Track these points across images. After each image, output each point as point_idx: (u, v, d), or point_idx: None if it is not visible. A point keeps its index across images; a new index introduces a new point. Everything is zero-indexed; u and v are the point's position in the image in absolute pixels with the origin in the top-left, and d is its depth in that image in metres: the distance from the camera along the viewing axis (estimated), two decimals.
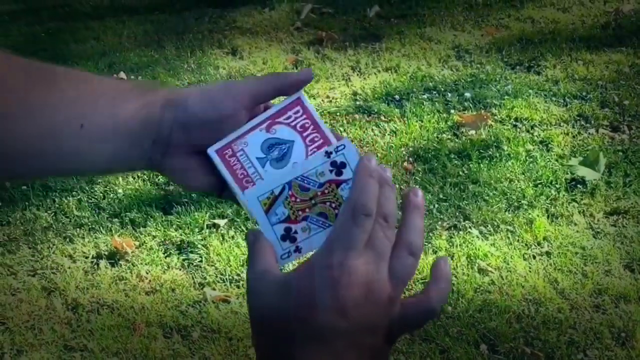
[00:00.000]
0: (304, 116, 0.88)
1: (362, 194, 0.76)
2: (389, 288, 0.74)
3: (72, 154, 0.84)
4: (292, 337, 0.74)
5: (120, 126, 0.84)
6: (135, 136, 0.84)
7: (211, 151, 0.86)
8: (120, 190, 3.71)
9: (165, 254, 3.33)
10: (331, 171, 0.84)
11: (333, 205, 0.84)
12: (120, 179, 3.79)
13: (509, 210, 3.47)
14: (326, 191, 0.84)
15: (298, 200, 0.84)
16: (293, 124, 0.88)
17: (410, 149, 3.92)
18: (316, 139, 0.88)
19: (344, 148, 0.84)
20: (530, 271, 3.14)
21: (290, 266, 0.92)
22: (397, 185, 3.65)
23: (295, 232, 0.84)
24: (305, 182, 0.84)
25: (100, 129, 0.83)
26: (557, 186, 3.61)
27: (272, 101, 0.90)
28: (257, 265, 0.80)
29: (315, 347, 0.73)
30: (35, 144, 0.82)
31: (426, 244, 3.29)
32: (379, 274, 0.74)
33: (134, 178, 3.79)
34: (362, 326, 0.73)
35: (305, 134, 0.88)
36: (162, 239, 3.40)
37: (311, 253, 0.83)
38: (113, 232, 3.46)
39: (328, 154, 0.84)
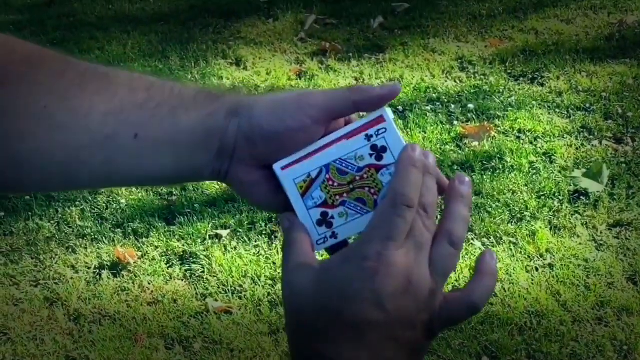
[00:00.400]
0: (386, 136, 0.80)
1: (405, 184, 0.74)
2: (430, 280, 0.72)
3: (128, 163, 0.81)
4: (327, 330, 0.72)
5: (181, 136, 0.80)
6: (197, 147, 0.80)
7: (277, 167, 0.81)
8: (123, 201, 3.71)
9: (168, 265, 3.33)
10: (371, 155, 0.80)
11: (372, 191, 0.80)
12: (124, 189, 3.80)
13: (511, 222, 3.47)
14: (365, 176, 0.80)
15: (336, 184, 0.81)
16: (373, 142, 0.80)
17: None
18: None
19: (385, 132, 0.80)
20: (532, 283, 3.14)
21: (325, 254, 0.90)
22: None
23: (332, 217, 0.81)
24: (344, 165, 0.80)
25: (158, 139, 0.80)
26: (560, 198, 3.60)
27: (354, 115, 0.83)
28: (293, 255, 0.77)
29: (351, 340, 0.72)
30: (85, 154, 0.79)
31: None
32: (419, 266, 0.72)
33: (137, 188, 3.80)
34: (400, 320, 0.72)
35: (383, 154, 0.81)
36: (165, 250, 3.40)
37: (348, 239, 0.82)
38: (116, 242, 3.46)
39: (368, 137, 0.80)
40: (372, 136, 0.80)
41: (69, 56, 0.84)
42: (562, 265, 3.22)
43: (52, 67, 0.82)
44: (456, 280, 3.16)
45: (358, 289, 0.71)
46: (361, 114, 0.83)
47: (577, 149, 3.96)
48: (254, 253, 3.35)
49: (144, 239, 3.47)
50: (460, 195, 0.76)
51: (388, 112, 0.81)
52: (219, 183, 3.77)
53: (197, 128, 0.80)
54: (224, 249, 3.38)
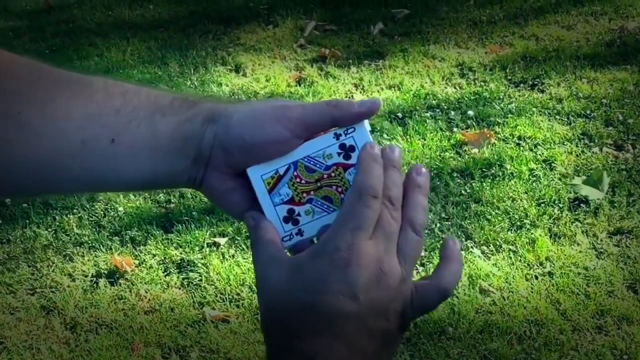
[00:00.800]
0: (355, 134, 0.82)
1: (369, 177, 0.75)
2: (400, 269, 0.74)
3: (106, 169, 0.80)
4: (302, 325, 0.73)
5: (157, 142, 0.80)
6: (174, 153, 0.80)
7: (250, 173, 0.81)
8: (121, 208, 3.70)
9: (165, 273, 3.31)
10: (339, 154, 0.81)
11: (339, 189, 0.81)
12: (122, 196, 3.78)
13: (511, 230, 3.45)
14: (333, 174, 0.81)
15: (303, 181, 0.82)
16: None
17: None
18: None
19: (354, 131, 0.81)
20: (532, 292, 3.12)
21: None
22: None
23: (299, 214, 0.82)
24: (312, 163, 0.81)
25: (135, 144, 0.79)
26: (560, 205, 3.58)
27: None
28: (264, 252, 0.78)
29: (326, 333, 0.72)
30: (63, 159, 0.79)
31: (427, 263, 3.27)
32: (389, 255, 0.73)
33: (135, 196, 3.78)
34: (373, 309, 0.72)
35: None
36: (162, 258, 3.39)
37: (314, 238, 0.82)
38: (113, 250, 3.45)
39: (337, 135, 0.81)
40: (340, 135, 0.81)
41: (43, 63, 0.83)
42: (561, 273, 3.20)
43: (26, 74, 0.82)
44: (455, 289, 3.13)
45: (331, 281, 0.72)
46: None
47: (577, 156, 3.94)
48: (252, 261, 3.32)
49: (142, 247, 3.45)
50: (418, 186, 0.78)
51: (366, 124, 0.82)
52: None
53: (174, 134, 0.80)
54: (221, 257, 3.36)
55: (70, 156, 0.79)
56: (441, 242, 0.80)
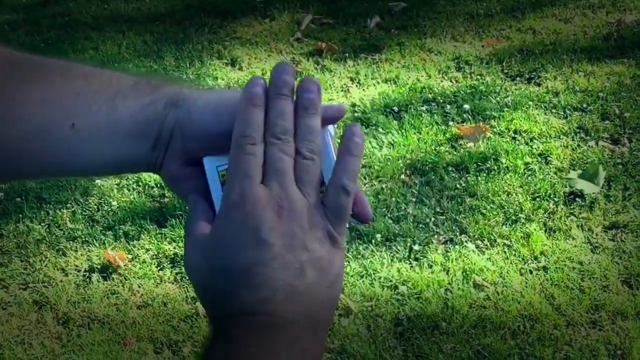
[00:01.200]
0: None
1: (244, 125, 0.73)
2: (303, 199, 0.72)
3: (66, 155, 0.78)
4: (226, 289, 0.71)
5: (118, 126, 0.78)
6: (136, 136, 0.78)
7: (206, 162, 0.79)
8: (114, 203, 3.68)
9: (158, 268, 3.30)
10: None
11: None
12: (115, 191, 3.77)
13: (506, 224, 3.43)
14: None
15: None
16: None
17: (408, 161, 3.89)
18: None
19: None
20: (526, 286, 3.10)
21: None
22: (395, 199, 3.61)
23: None
24: None
25: (96, 128, 0.77)
26: (556, 200, 3.57)
27: None
28: (189, 233, 0.76)
29: (250, 286, 0.71)
30: (22, 145, 0.77)
31: (421, 257, 3.25)
32: (285, 190, 0.72)
33: (129, 190, 3.77)
34: (288, 245, 0.71)
35: None
36: (156, 252, 3.37)
37: None
38: (106, 245, 3.43)
39: None
40: None
41: (1, 46, 0.81)
42: (556, 268, 3.18)
43: None
44: (449, 283, 3.13)
45: (234, 236, 0.71)
46: None
47: (573, 149, 3.92)
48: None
49: (135, 242, 3.43)
50: (304, 107, 0.75)
51: (330, 129, 0.79)
52: None
53: (136, 117, 0.78)
54: None
55: (28, 141, 0.78)
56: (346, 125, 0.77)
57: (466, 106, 4.32)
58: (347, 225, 0.78)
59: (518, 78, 4.66)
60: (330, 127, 0.79)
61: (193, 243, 0.75)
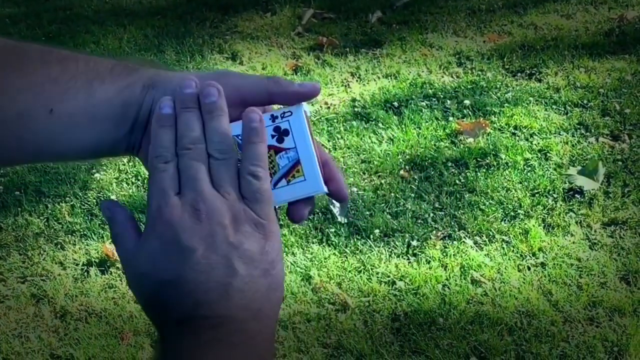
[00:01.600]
0: (291, 119, 0.80)
1: (155, 147, 0.75)
2: (221, 197, 0.74)
3: (45, 140, 0.79)
4: (168, 301, 0.73)
5: (96, 110, 0.78)
6: (114, 120, 0.79)
7: None
8: (113, 197, 3.68)
9: None
10: (273, 136, 0.80)
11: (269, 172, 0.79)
12: (114, 184, 3.77)
13: (504, 220, 3.43)
14: None
15: None
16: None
17: (407, 156, 3.88)
18: (297, 164, 0.80)
19: (290, 115, 0.80)
20: (524, 283, 3.10)
21: None
22: (393, 194, 3.61)
23: None
24: None
25: (74, 113, 0.78)
26: (555, 196, 3.56)
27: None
28: (122, 250, 0.77)
29: (188, 294, 0.72)
30: (1, 132, 0.78)
31: (419, 253, 3.25)
32: (199, 193, 0.73)
33: (128, 184, 3.77)
34: (213, 245, 0.72)
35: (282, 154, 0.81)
36: None
37: None
38: (105, 239, 3.43)
39: (273, 117, 0.80)
40: (277, 117, 0.80)
41: None
42: (554, 264, 3.18)
43: None
44: (446, 279, 3.12)
45: (158, 249, 0.73)
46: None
47: (573, 146, 3.91)
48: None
49: None
50: (208, 112, 0.77)
51: (305, 107, 0.80)
52: None
53: (113, 101, 0.79)
54: None
55: (7, 129, 0.78)
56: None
57: (467, 102, 4.31)
58: (278, 207, 0.79)
59: (519, 74, 4.65)
60: (305, 107, 0.80)
61: (125, 260, 0.77)
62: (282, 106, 0.81)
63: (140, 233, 0.77)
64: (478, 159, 3.82)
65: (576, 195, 3.57)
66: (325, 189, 0.80)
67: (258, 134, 0.77)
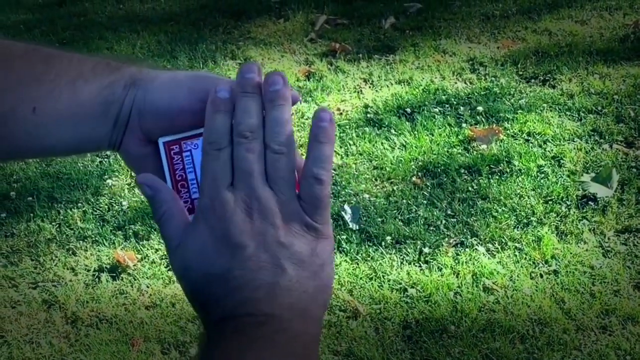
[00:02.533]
0: None
1: (209, 132, 0.74)
2: (273, 195, 0.73)
3: (27, 138, 0.79)
4: (210, 295, 0.73)
5: (80, 109, 0.79)
6: (97, 119, 0.79)
7: (160, 142, 0.81)
8: (125, 203, 3.69)
9: (167, 268, 3.30)
10: None
11: None
12: (126, 190, 3.77)
13: (517, 227, 3.41)
14: None
15: None
16: None
17: (420, 163, 3.87)
18: None
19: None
20: (536, 290, 3.08)
21: None
22: (406, 201, 3.60)
23: None
24: None
25: (57, 112, 0.79)
26: (568, 203, 3.54)
27: None
28: (171, 232, 0.76)
29: (238, 289, 0.72)
30: None
31: (431, 260, 3.23)
32: (253, 189, 0.73)
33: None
34: (265, 244, 0.72)
35: None
36: (165, 253, 3.37)
37: None
38: (116, 244, 3.43)
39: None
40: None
41: None
42: (567, 272, 3.16)
43: None
44: (458, 286, 3.11)
45: (208, 243, 0.73)
46: None
47: (586, 152, 3.89)
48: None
49: (145, 242, 3.43)
50: (270, 100, 0.75)
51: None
52: None
53: (96, 99, 0.79)
54: None
55: None
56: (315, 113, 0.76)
57: (480, 108, 4.30)
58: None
59: (533, 80, 4.63)
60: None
61: (172, 251, 0.76)
62: None
63: (186, 214, 0.77)
64: (491, 166, 3.80)
65: (590, 202, 3.54)
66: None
67: (327, 134, 0.75)
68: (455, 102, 4.39)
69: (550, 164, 3.81)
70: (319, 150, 0.74)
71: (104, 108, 0.79)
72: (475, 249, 3.29)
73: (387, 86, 4.63)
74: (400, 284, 3.14)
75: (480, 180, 3.70)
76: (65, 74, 0.80)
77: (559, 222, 3.43)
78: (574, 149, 3.92)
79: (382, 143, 4.03)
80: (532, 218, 3.45)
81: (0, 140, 0.80)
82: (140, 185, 0.78)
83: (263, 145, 0.74)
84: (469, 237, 3.36)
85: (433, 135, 4.08)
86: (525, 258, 3.24)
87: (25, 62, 0.80)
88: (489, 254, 3.27)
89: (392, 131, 4.13)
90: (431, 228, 3.43)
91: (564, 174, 3.73)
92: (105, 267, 3.32)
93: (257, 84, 0.75)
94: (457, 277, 3.16)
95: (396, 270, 3.21)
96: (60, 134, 0.80)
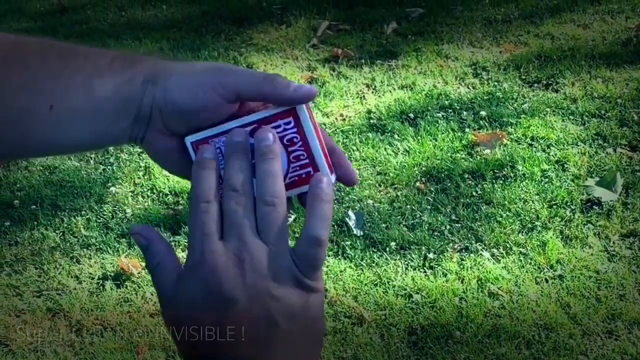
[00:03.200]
0: (295, 130, 0.79)
1: (196, 186, 0.75)
2: (265, 248, 0.72)
3: (45, 136, 0.79)
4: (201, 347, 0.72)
5: (97, 105, 0.78)
6: (115, 115, 0.79)
7: (188, 141, 0.80)
8: (129, 210, 3.68)
9: None
10: (284, 146, 0.80)
11: None
12: (130, 198, 3.77)
13: (522, 232, 3.40)
14: None
15: None
16: (281, 135, 0.79)
17: (423, 168, 3.86)
18: (302, 157, 0.80)
19: (291, 124, 0.80)
20: (542, 295, 3.07)
21: None
22: (410, 206, 3.59)
23: None
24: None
25: (74, 109, 0.78)
26: (572, 207, 3.53)
27: None
28: (162, 284, 0.76)
29: (226, 344, 0.72)
30: (2, 129, 0.78)
31: (436, 266, 3.23)
32: (243, 241, 0.72)
33: (143, 197, 3.77)
34: (254, 298, 0.71)
35: (290, 149, 0.80)
36: None
37: None
38: (120, 252, 3.43)
39: (276, 128, 0.80)
40: (279, 127, 0.80)
41: None
42: (572, 276, 3.15)
43: None
44: (463, 292, 3.10)
45: (199, 297, 0.72)
46: None
47: (590, 156, 3.88)
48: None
49: None
50: (317, 196, 0.75)
51: (303, 107, 0.80)
52: None
53: (114, 96, 0.79)
54: None
55: (8, 126, 0.78)
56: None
57: (483, 113, 4.29)
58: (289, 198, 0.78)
59: (536, 84, 4.62)
60: (305, 110, 0.80)
61: (164, 302, 0.76)
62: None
63: (179, 266, 0.76)
64: (495, 171, 3.79)
65: (594, 206, 3.54)
66: (333, 177, 0.81)
67: (327, 194, 0.75)
68: (458, 107, 4.39)
69: (554, 168, 3.81)
70: (320, 210, 0.75)
71: (122, 105, 0.79)
72: (480, 254, 3.28)
73: (390, 91, 4.63)
74: (405, 289, 3.14)
75: (484, 185, 3.69)
76: (82, 70, 0.79)
77: (564, 227, 3.42)
78: (578, 153, 3.91)
79: (385, 148, 4.03)
80: (536, 223, 3.44)
81: (17, 138, 0.79)
82: (134, 235, 0.79)
83: (252, 199, 0.74)
84: (473, 242, 3.35)
85: (436, 141, 4.07)
86: (531, 263, 3.23)
87: (41, 60, 0.79)
88: (493, 259, 3.26)
89: (396, 136, 4.13)
90: (435, 233, 3.43)
91: (568, 178, 3.72)
92: (110, 275, 3.31)
93: (246, 146, 0.77)
94: (462, 282, 3.15)
95: (401, 276, 3.20)
96: (78, 130, 0.79)
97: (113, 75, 0.79)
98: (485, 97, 4.48)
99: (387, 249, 3.33)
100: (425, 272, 3.22)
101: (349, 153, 4.01)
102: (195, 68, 0.80)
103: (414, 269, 3.23)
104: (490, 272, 3.17)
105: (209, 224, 0.73)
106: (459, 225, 3.47)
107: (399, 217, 3.53)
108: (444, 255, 3.29)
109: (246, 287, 0.71)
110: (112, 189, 3.85)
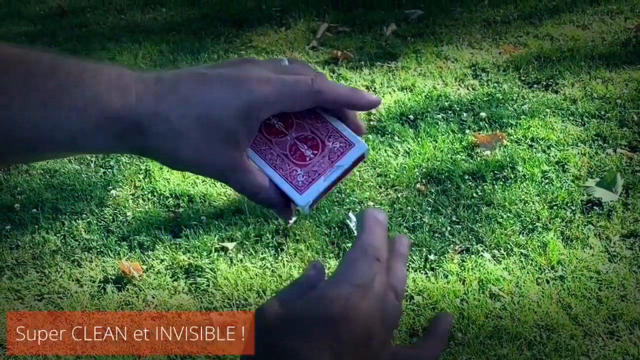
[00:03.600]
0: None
1: (373, 237, 0.74)
2: (383, 332, 0.71)
3: (54, 147, 0.78)
4: None
5: (93, 134, 0.76)
6: (115, 139, 0.77)
7: (251, 153, 0.82)
8: (129, 213, 3.68)
9: (173, 278, 3.29)
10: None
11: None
12: (130, 201, 3.77)
13: (522, 233, 3.40)
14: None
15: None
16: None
17: (424, 170, 3.86)
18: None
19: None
20: (543, 296, 3.07)
21: None
22: (410, 208, 3.59)
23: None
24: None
25: (69, 136, 0.76)
26: (573, 208, 3.53)
27: None
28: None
29: None
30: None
31: (437, 267, 3.23)
32: (376, 318, 0.70)
33: (144, 200, 3.77)
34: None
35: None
36: (170, 263, 3.36)
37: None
38: (121, 255, 3.43)
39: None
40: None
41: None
42: (573, 277, 3.15)
43: None
44: (465, 293, 3.10)
45: (320, 330, 0.68)
46: None
47: (590, 157, 3.88)
48: (260, 266, 3.30)
49: (150, 252, 3.43)
50: (401, 255, 0.77)
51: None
52: (226, 195, 3.73)
53: (101, 150, 0.79)
54: (229, 262, 3.34)
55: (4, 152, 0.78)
56: (435, 313, 0.79)
57: (483, 114, 4.29)
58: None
59: (535, 85, 4.62)
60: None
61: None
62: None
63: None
64: (495, 172, 3.79)
65: (595, 207, 3.54)
66: (366, 146, 0.84)
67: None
68: (458, 108, 4.39)
69: (555, 169, 3.81)
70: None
71: (117, 146, 0.78)
72: (481, 255, 3.28)
73: (390, 93, 4.63)
74: (407, 291, 3.14)
75: (485, 187, 3.69)
76: (81, 99, 0.76)
77: (565, 228, 3.42)
78: (578, 153, 3.91)
79: (385, 150, 4.03)
80: (537, 224, 3.45)
81: (17, 156, 0.81)
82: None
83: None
84: (474, 243, 3.35)
85: (437, 142, 4.08)
86: (531, 264, 3.23)
87: (27, 86, 0.75)
88: (494, 260, 3.26)
89: (396, 138, 4.13)
90: (436, 235, 3.43)
91: (568, 179, 3.72)
92: (111, 278, 3.31)
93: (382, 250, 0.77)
94: (463, 284, 3.15)
95: None
96: (86, 145, 0.78)
97: (96, 131, 0.76)
98: (485, 98, 4.48)
99: None
100: (426, 273, 3.22)
101: None
102: (215, 88, 0.78)
103: (415, 271, 3.23)
104: (491, 273, 3.17)
105: (367, 280, 0.72)
106: (460, 226, 3.47)
107: (400, 218, 3.53)
108: (445, 257, 3.29)
109: (356, 354, 0.70)
110: (113, 192, 3.85)
